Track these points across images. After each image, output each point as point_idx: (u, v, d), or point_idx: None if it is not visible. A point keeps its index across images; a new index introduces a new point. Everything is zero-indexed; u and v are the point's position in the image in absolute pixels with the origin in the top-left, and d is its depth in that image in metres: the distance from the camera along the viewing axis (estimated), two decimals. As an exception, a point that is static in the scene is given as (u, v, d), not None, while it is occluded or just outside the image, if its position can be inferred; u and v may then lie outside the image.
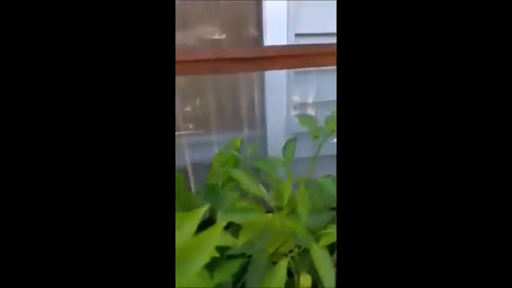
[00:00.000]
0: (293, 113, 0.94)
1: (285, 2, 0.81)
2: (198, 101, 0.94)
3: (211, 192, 0.75)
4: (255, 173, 0.74)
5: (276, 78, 0.90)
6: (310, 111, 0.97)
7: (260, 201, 0.51)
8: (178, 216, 0.34)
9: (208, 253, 0.29)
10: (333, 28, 0.86)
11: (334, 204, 0.62)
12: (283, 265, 0.42)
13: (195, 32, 0.86)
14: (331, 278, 0.41)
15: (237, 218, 0.44)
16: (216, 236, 0.29)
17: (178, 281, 0.27)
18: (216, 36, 0.89)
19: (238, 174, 0.50)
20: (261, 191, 0.51)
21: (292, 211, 0.46)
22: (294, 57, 0.67)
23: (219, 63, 0.63)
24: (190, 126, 0.97)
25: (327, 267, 0.42)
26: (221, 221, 0.47)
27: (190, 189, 0.98)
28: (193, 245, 0.30)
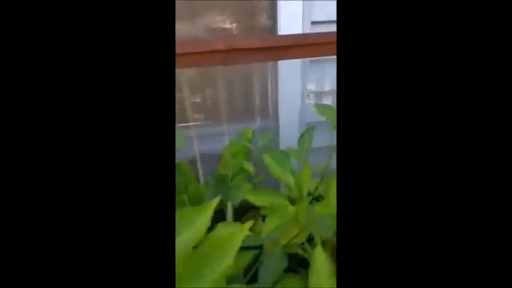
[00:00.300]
0: (307, 102, 0.92)
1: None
2: (208, 91, 0.93)
3: (221, 183, 0.74)
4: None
5: (289, 67, 0.87)
6: (325, 101, 0.94)
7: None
8: (190, 210, 0.34)
9: (232, 255, 0.28)
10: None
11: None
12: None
13: (205, 22, 0.84)
14: None
15: (262, 201, 0.43)
16: (242, 236, 0.29)
17: (199, 281, 0.26)
18: (228, 26, 0.87)
19: (269, 160, 0.49)
20: (290, 179, 0.50)
21: (312, 202, 0.45)
22: (309, 46, 0.65)
23: (231, 54, 0.61)
24: (200, 116, 0.96)
25: None
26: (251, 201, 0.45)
27: (198, 180, 0.98)
28: (217, 246, 0.29)
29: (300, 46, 0.64)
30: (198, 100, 0.93)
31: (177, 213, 0.33)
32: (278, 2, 0.80)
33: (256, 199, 0.44)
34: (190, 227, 0.33)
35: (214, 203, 0.37)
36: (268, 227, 0.40)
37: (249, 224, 0.39)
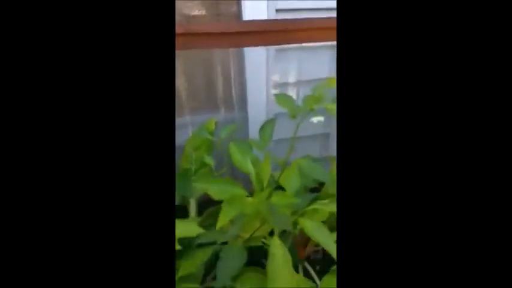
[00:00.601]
0: (274, 92, 0.90)
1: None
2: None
3: (183, 178, 0.71)
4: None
5: (256, 56, 0.85)
6: (292, 91, 0.93)
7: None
8: None
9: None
10: (313, 3, 0.82)
11: (312, 186, 0.60)
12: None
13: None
14: (333, 245, 0.40)
15: (215, 190, 0.41)
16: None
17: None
18: (195, 12, 0.83)
19: (233, 149, 0.47)
20: (251, 169, 0.48)
21: (271, 194, 0.43)
22: (273, 32, 0.62)
23: (190, 38, 0.58)
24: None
25: (325, 236, 0.41)
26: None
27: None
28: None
29: (263, 32, 0.62)
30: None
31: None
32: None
33: (216, 192, 0.42)
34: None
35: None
36: (223, 218, 0.38)
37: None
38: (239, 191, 0.41)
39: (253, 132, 0.94)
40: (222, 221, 0.38)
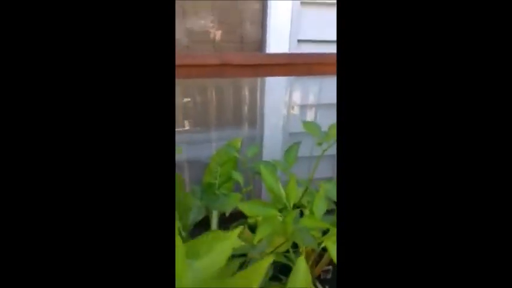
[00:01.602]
0: (291, 114, 0.96)
1: (289, 8, 0.83)
2: (197, 98, 0.95)
3: (208, 191, 0.76)
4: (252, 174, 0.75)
5: (275, 80, 0.91)
6: (309, 113, 0.99)
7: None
8: (212, 235, 0.35)
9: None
10: (333, 36, 0.89)
11: (330, 207, 0.65)
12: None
13: (196, 26, 0.86)
14: None
15: (255, 211, 0.46)
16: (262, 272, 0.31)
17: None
18: (218, 37, 0.89)
19: (262, 169, 0.52)
20: (281, 191, 0.53)
21: (300, 214, 0.48)
22: (295, 65, 0.69)
23: (223, 68, 0.64)
24: (187, 122, 0.97)
25: None
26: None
27: (184, 187, 0.99)
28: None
29: (287, 65, 0.68)
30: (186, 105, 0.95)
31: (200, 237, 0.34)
32: (268, 18, 0.84)
33: (249, 209, 0.47)
34: (211, 252, 0.35)
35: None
36: (260, 235, 0.43)
37: (237, 231, 0.41)
38: (272, 211, 0.46)
39: (267, 151, 1.00)
40: (259, 236, 0.43)
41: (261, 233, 0.43)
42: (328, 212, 0.67)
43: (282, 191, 0.50)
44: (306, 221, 0.45)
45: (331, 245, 0.46)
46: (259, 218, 0.49)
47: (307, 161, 1.00)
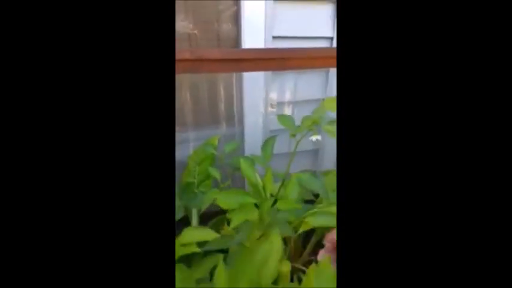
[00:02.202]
0: (270, 111, 0.97)
1: (263, 4, 0.83)
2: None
3: (187, 190, 0.75)
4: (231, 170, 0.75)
5: (254, 77, 0.92)
6: (287, 110, 1.00)
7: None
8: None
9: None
10: (307, 32, 0.90)
11: (309, 198, 0.66)
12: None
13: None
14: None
15: (231, 202, 0.46)
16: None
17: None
18: (194, 35, 0.89)
19: (241, 162, 0.52)
20: (258, 181, 0.53)
21: (275, 202, 0.48)
22: (270, 60, 0.69)
23: (198, 63, 0.64)
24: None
25: (330, 220, 0.45)
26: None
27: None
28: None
29: (262, 60, 0.68)
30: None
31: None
32: (242, 15, 0.85)
33: (224, 200, 0.47)
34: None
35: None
36: (235, 222, 0.43)
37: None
38: (249, 199, 0.46)
39: (249, 147, 1.00)
40: (234, 224, 0.42)
41: (235, 220, 0.43)
42: (306, 202, 0.68)
43: (260, 181, 0.50)
44: (280, 205, 0.46)
45: (312, 218, 0.46)
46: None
47: (288, 156, 1.01)
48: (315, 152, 1.11)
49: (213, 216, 0.76)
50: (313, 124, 0.53)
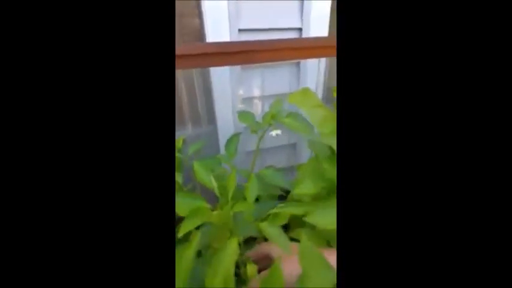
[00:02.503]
0: (240, 107, 0.94)
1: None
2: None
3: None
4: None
5: (221, 74, 0.89)
6: (257, 105, 0.98)
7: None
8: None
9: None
10: (274, 24, 0.88)
11: (277, 194, 0.64)
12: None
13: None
14: (289, 246, 0.41)
15: (179, 204, 0.43)
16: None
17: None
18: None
19: (197, 166, 0.49)
20: (213, 183, 0.50)
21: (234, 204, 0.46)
22: (236, 53, 0.67)
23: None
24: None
25: (281, 238, 0.43)
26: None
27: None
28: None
29: (225, 54, 0.66)
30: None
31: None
32: (204, 9, 0.81)
33: (178, 206, 0.44)
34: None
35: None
36: (184, 229, 0.40)
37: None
38: (202, 203, 0.44)
39: (223, 145, 0.97)
40: (183, 231, 0.39)
41: (185, 226, 0.40)
42: (279, 198, 0.66)
43: (215, 184, 0.48)
44: (236, 207, 0.44)
45: (264, 225, 0.44)
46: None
47: (264, 152, 0.99)
48: (292, 146, 1.10)
49: (178, 222, 0.73)
50: (271, 119, 0.51)
